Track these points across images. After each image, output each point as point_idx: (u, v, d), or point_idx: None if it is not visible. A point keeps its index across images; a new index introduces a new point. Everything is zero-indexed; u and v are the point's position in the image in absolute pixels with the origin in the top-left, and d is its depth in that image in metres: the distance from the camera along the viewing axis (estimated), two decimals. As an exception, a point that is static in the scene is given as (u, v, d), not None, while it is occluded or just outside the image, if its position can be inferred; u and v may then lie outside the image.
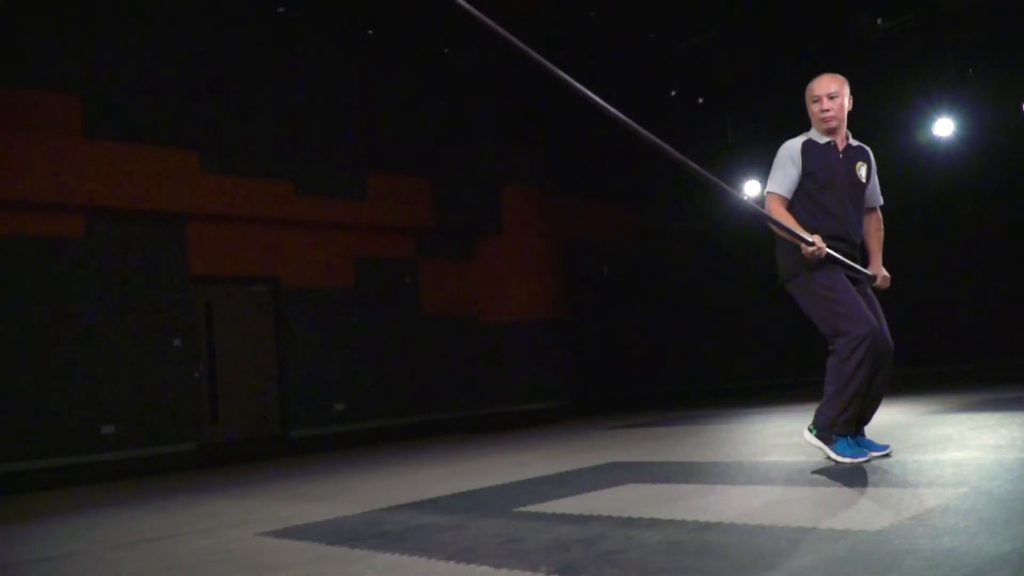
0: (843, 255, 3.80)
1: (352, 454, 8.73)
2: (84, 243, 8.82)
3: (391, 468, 6.55)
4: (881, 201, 4.10)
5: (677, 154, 3.22)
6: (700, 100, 12.40)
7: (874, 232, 4.09)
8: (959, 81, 9.96)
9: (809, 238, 3.63)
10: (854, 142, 3.97)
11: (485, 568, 2.51)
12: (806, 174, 3.83)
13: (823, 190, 3.82)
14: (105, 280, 8.90)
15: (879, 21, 10.04)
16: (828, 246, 3.74)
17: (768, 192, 3.89)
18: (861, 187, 3.92)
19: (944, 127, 10.08)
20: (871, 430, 4.05)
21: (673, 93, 12.37)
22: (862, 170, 3.93)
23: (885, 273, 4.01)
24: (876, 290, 3.99)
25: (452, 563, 2.63)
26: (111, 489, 7.26)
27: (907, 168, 10.44)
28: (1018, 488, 2.83)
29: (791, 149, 3.87)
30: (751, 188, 11.94)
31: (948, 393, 7.65)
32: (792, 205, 3.87)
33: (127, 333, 8.96)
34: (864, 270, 3.92)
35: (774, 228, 3.79)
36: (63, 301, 8.61)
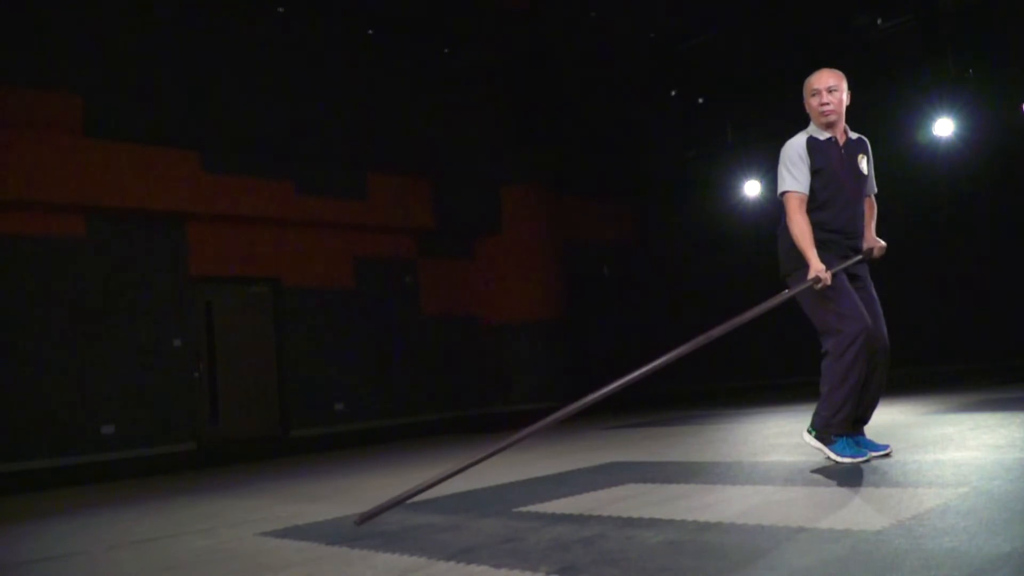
0: (846, 248, 3.85)
1: (352, 454, 8.73)
2: (84, 243, 8.82)
3: (391, 468, 6.55)
4: (876, 190, 4.11)
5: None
6: (700, 100, 12.41)
7: (867, 211, 4.10)
8: (959, 81, 9.95)
9: (814, 271, 3.63)
10: (853, 135, 3.98)
11: (485, 568, 2.50)
12: (813, 171, 3.83)
13: (828, 187, 3.83)
14: (105, 280, 8.90)
15: (879, 21, 10.04)
16: (832, 240, 3.80)
17: (787, 192, 3.84)
18: (863, 179, 3.94)
19: (944, 127, 10.08)
20: (871, 430, 4.05)
21: (673, 93, 12.37)
22: (863, 163, 3.95)
23: (881, 243, 4.03)
24: (875, 262, 4.00)
25: (452, 563, 2.63)
26: (111, 489, 7.26)
27: (907, 168, 10.44)
28: (1018, 488, 2.83)
29: (797, 147, 3.87)
30: (751, 189, 11.95)
31: (948, 393, 7.64)
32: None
33: (127, 333, 8.96)
34: (861, 256, 3.92)
35: (793, 238, 3.79)
36: (63, 301, 8.61)
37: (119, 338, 8.90)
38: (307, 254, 10.48)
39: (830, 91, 3.84)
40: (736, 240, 12.67)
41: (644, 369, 3.37)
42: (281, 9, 10.38)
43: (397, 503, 3.10)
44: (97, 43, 9.09)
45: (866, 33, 10.22)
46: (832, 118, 3.85)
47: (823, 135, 3.88)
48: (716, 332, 3.54)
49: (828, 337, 3.74)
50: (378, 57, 11.37)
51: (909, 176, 10.51)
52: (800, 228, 3.75)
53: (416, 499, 4.27)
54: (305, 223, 10.34)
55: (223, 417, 9.73)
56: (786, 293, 3.77)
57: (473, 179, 11.98)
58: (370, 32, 11.19)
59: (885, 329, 3.85)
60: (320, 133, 10.64)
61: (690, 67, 11.78)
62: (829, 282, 3.64)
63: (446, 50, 11.87)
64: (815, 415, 3.80)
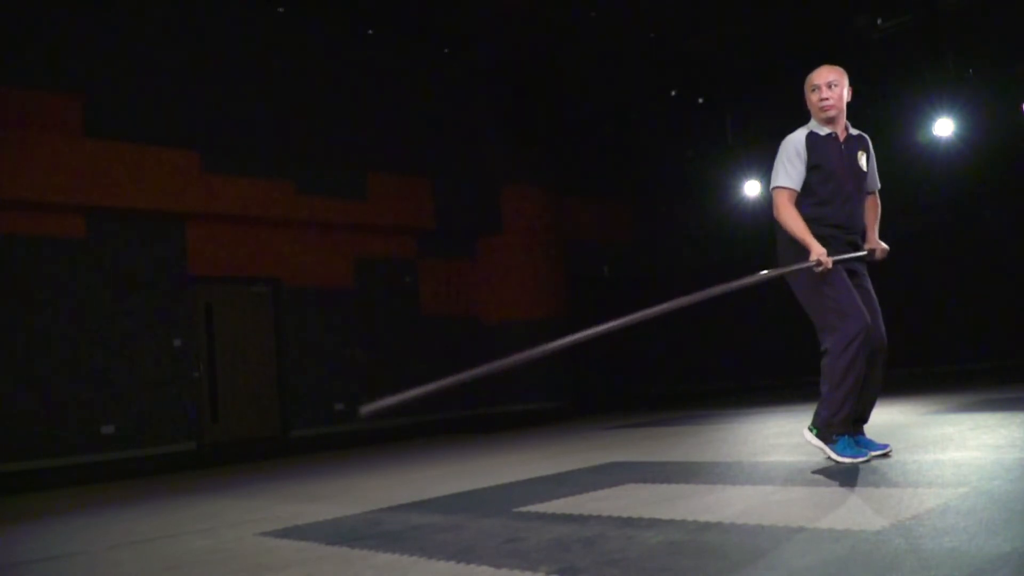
0: (845, 243, 3.85)
1: (352, 454, 8.73)
2: (84, 243, 8.82)
3: (391, 468, 6.55)
4: (879, 186, 4.12)
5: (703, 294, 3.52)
6: (700, 100, 12.40)
7: (870, 211, 4.11)
8: (959, 81, 9.95)
9: (815, 254, 3.63)
10: (853, 131, 3.99)
11: (485, 568, 2.50)
12: (811, 167, 3.84)
13: (827, 182, 3.84)
14: (105, 280, 8.90)
15: (879, 21, 10.04)
16: (830, 235, 3.79)
17: (777, 187, 3.87)
18: (862, 175, 3.95)
19: (944, 127, 10.08)
20: (871, 430, 4.05)
21: (673, 93, 12.37)
22: (863, 159, 3.95)
23: (884, 246, 4.04)
24: (876, 263, 4.00)
25: (452, 563, 2.63)
26: (111, 489, 7.26)
27: (907, 168, 10.43)
28: (1018, 488, 2.83)
29: (795, 142, 3.88)
30: (751, 189, 11.95)
31: (948, 393, 7.64)
32: (798, 198, 3.88)
33: (127, 333, 8.96)
34: (863, 252, 3.93)
35: (787, 229, 3.80)
36: (63, 301, 8.61)
37: (119, 338, 8.90)
38: (307, 254, 10.48)
39: (830, 86, 3.85)
40: (736, 240, 12.66)
41: (643, 313, 3.32)
42: (281, 9, 10.38)
43: (402, 402, 2.96)
44: (97, 43, 9.09)
45: (866, 33, 10.22)
46: (832, 113, 3.86)
47: (823, 130, 3.89)
48: (716, 291, 3.52)
49: (828, 335, 3.74)
50: (378, 57, 11.37)
51: (909, 176, 10.50)
52: (792, 219, 3.77)
53: (416, 499, 4.28)
54: (305, 223, 10.33)
55: (223, 417, 9.72)
56: (787, 268, 3.74)
57: (473, 179, 11.98)
58: (370, 32, 11.19)
59: (883, 327, 3.85)
60: (320, 133, 10.64)
61: (690, 67, 11.78)
62: (830, 265, 3.64)
63: (446, 50, 11.87)
64: (816, 414, 3.80)
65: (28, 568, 3.57)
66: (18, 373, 8.27)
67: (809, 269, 3.70)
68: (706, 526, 2.76)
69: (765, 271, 3.70)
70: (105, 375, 8.75)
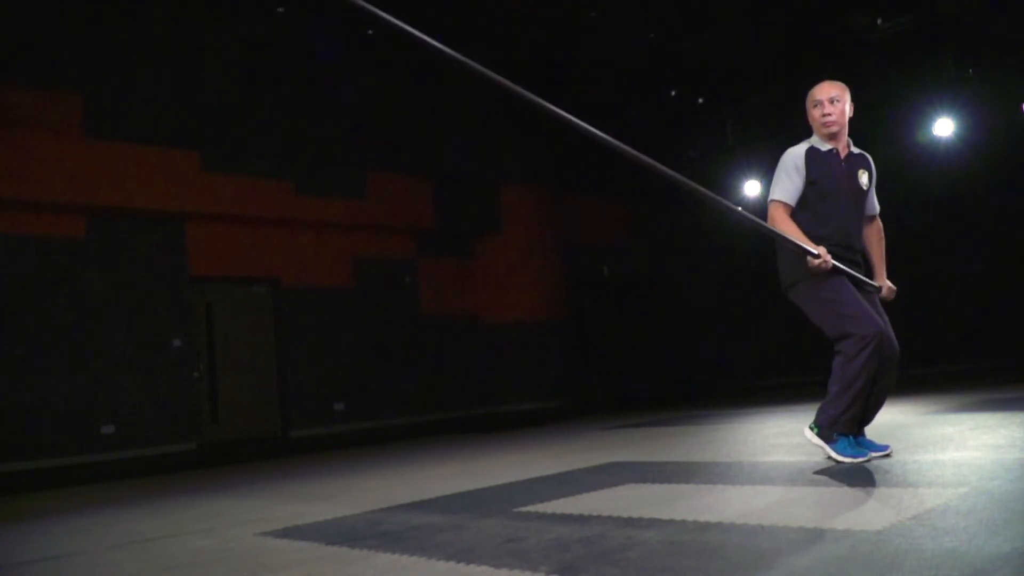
0: (845, 262, 3.82)
1: (352, 454, 8.73)
2: (84, 243, 8.82)
3: (391, 468, 6.55)
4: (878, 209, 4.11)
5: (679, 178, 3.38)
6: (700, 100, 12.40)
7: (876, 243, 4.11)
8: (959, 81, 9.95)
9: (814, 250, 3.63)
10: (855, 149, 3.98)
11: (485, 568, 2.51)
12: (810, 182, 3.83)
13: (826, 198, 3.83)
14: (105, 280, 8.90)
15: (879, 21, 10.04)
16: (830, 252, 3.76)
17: (773, 200, 3.87)
18: (863, 194, 3.94)
19: (944, 127, 10.07)
20: (871, 430, 4.05)
21: (673, 93, 12.37)
22: (863, 177, 3.94)
23: (891, 285, 4.03)
24: (883, 301, 4.00)
25: (452, 563, 2.63)
26: (111, 489, 7.26)
27: (907, 168, 10.44)
28: (1018, 488, 2.83)
29: (795, 157, 3.87)
30: (751, 189, 11.95)
31: (948, 393, 7.65)
32: (794, 213, 3.87)
33: (127, 333, 8.96)
34: (869, 281, 3.93)
35: (779, 239, 3.79)
36: (63, 301, 8.60)
37: (119, 338, 8.89)
38: (307, 254, 10.48)
39: (832, 102, 3.84)
40: (735, 240, 12.67)
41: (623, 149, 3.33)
42: (281, 9, 10.37)
43: (377, 15, 2.68)
44: (97, 43, 9.08)
45: (866, 33, 10.21)
46: (834, 129, 3.85)
47: (825, 146, 3.89)
48: (703, 194, 3.55)
49: (843, 341, 3.72)
50: (378, 57, 11.36)
51: (909, 176, 10.51)
52: (788, 227, 3.77)
53: (416, 499, 4.28)
54: (305, 223, 10.33)
55: (223, 417, 9.72)
56: (796, 246, 3.72)
57: (473, 179, 11.98)
58: (370, 32, 11.18)
59: (893, 334, 3.85)
60: (320, 133, 10.63)
61: (690, 67, 11.77)
62: (830, 264, 3.63)
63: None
64: (820, 412, 3.79)
65: (28, 568, 3.57)
66: (18, 373, 8.26)
67: (812, 283, 3.69)
68: (706, 526, 2.76)
69: (766, 227, 3.70)
70: (105, 375, 8.75)
